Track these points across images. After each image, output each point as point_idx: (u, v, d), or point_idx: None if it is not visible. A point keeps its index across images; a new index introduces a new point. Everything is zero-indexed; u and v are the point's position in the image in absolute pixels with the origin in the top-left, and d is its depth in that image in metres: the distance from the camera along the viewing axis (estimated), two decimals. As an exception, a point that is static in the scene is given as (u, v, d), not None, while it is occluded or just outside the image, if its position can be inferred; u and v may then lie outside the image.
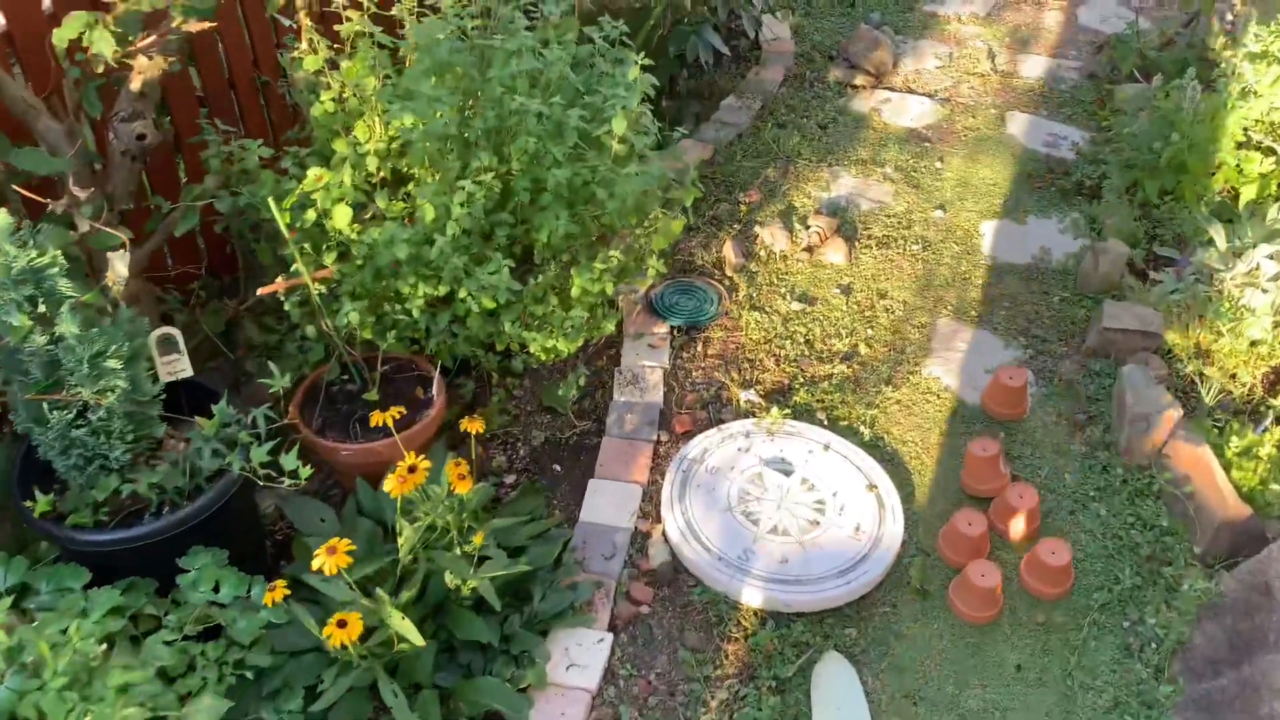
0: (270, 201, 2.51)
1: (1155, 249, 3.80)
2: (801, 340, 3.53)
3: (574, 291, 2.90)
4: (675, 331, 3.56)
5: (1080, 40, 5.47)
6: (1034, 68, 5.21)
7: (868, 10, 5.73)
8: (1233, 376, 3.24)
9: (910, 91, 5.02)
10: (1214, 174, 3.81)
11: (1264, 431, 2.98)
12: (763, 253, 3.93)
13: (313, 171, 2.62)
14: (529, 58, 2.74)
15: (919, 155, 4.51)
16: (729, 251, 3.86)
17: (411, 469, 2.33)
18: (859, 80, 5.01)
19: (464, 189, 2.62)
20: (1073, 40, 5.47)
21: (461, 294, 2.71)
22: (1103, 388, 3.30)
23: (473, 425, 2.53)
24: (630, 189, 2.77)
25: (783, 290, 3.75)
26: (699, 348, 3.51)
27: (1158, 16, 5.61)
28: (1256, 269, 3.36)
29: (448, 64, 2.74)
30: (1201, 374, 3.23)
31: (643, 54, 2.96)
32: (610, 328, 3.10)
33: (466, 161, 2.72)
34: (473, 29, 2.92)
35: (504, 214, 2.84)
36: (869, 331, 3.58)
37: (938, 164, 4.45)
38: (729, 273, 3.82)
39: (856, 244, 3.97)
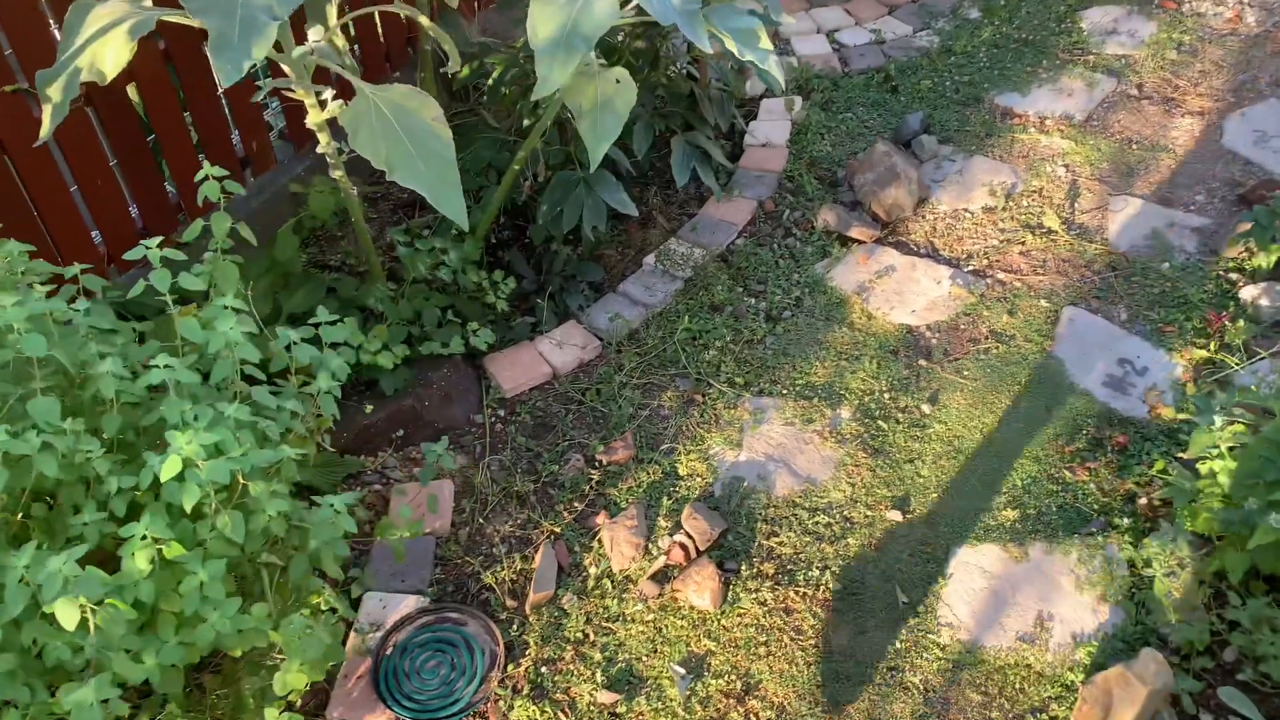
0: None
1: (1222, 678, 2.25)
2: (584, 781, 2.21)
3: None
4: (401, 727, 2.30)
5: (1215, 176, 3.72)
6: (1129, 226, 3.53)
7: (914, 100, 4.12)
8: None
9: (930, 254, 3.47)
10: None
11: None
12: (593, 569, 2.58)
13: None
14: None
15: (902, 387, 3.01)
16: (541, 566, 2.54)
17: None
18: (856, 231, 3.48)
19: None
20: (1204, 175, 3.73)
21: None
22: None
23: None
24: None
25: (597, 657, 2.41)
26: (425, 767, 2.25)
27: (1345, 146, 3.79)
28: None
29: None
30: None
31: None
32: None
33: None
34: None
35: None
36: (701, 774, 2.22)
37: (925, 407, 2.95)
38: (528, 609, 2.51)
39: (740, 569, 2.57)
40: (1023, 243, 3.48)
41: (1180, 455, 2.66)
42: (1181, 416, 2.79)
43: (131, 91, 2.81)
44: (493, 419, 2.95)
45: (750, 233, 3.54)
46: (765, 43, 2.44)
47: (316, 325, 2.09)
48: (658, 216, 3.58)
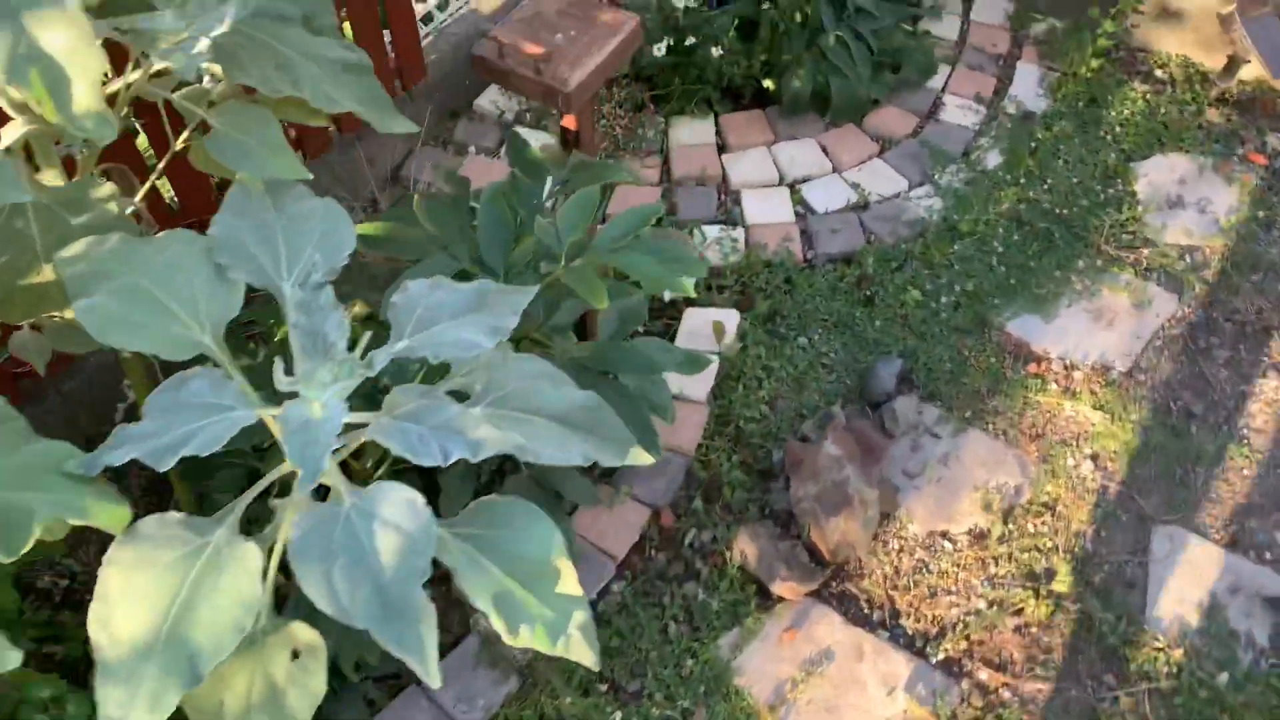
0: None
1: None
2: None
3: None
4: None
5: (1305, 494, 2.64)
6: (1177, 589, 2.46)
7: (893, 320, 2.99)
8: None
9: (886, 623, 2.42)
10: None
11: None
12: None
13: None
14: None
15: None
16: None
17: None
18: (782, 586, 2.43)
19: None
20: (1289, 490, 2.64)
21: None
22: None
23: None
24: None
25: None
26: None
27: None
28: None
29: None
30: None
31: None
32: None
33: None
34: None
35: None
36: None
37: None
38: None
39: None
40: (1019, 610, 2.43)
41: None
42: None
43: None
44: None
45: (635, 569, 2.49)
46: (571, 584, 1.35)
47: None
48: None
